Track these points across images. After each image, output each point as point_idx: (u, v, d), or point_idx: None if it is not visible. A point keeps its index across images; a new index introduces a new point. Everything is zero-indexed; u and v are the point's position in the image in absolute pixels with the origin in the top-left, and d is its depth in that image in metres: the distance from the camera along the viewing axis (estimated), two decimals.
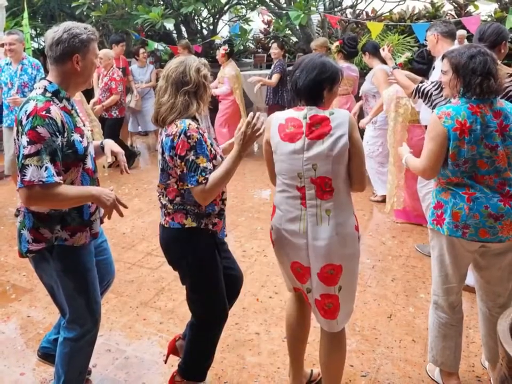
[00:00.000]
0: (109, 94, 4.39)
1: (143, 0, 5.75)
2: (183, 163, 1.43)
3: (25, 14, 4.59)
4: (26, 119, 1.31)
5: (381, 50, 2.99)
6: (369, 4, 5.84)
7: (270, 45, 5.26)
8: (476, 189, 1.54)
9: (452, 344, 1.68)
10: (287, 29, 5.84)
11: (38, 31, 7.16)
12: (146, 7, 5.37)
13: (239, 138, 1.45)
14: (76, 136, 1.41)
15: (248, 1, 6.58)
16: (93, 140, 1.63)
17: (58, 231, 1.44)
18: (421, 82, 2.48)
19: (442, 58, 1.67)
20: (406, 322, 2.17)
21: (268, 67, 6.07)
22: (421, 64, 2.90)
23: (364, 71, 4.34)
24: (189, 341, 1.65)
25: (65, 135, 1.36)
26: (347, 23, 5.73)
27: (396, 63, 2.78)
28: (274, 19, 6.40)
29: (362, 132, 3.33)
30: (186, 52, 4.80)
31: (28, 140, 1.30)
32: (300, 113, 1.45)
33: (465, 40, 4.14)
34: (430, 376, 1.81)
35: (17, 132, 1.36)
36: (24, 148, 1.30)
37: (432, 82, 2.32)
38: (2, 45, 3.45)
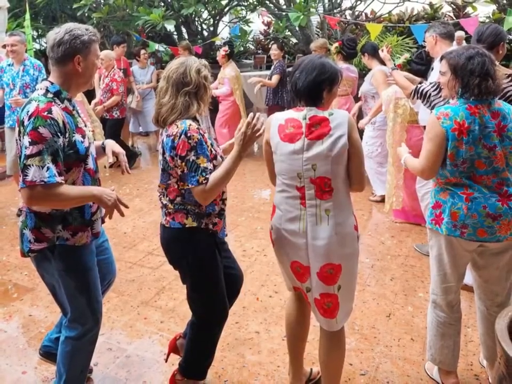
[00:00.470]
0: (110, 95, 4.41)
1: (144, 1, 5.77)
2: (183, 163, 1.44)
3: (27, 16, 4.61)
4: (28, 120, 1.33)
5: (380, 51, 3.01)
6: (368, 5, 5.86)
7: (269, 46, 5.28)
8: (474, 189, 1.55)
9: (450, 343, 1.69)
10: (287, 30, 5.86)
11: (39, 33, 7.18)
12: (147, 9, 5.39)
13: (239, 138, 1.46)
14: (77, 137, 1.42)
15: (248, 2, 6.59)
16: (94, 140, 1.64)
17: (60, 231, 1.45)
18: (420, 83, 2.50)
19: (441, 59, 1.68)
20: (404, 321, 2.18)
21: (268, 68, 6.09)
22: (420, 65, 2.91)
23: (363, 72, 4.35)
24: (189, 340, 1.66)
25: (67, 135, 1.37)
26: (346, 25, 5.75)
27: (394, 64, 2.79)
28: (274, 20, 6.42)
29: (361, 132, 3.34)
30: (186, 53, 4.82)
31: (30, 140, 1.31)
32: (300, 114, 1.46)
33: (464, 41, 4.16)
34: (428, 374, 1.82)
35: (19, 132, 1.37)
36: (26, 148, 1.31)
37: (430, 83, 2.33)
38: (4, 46, 3.47)
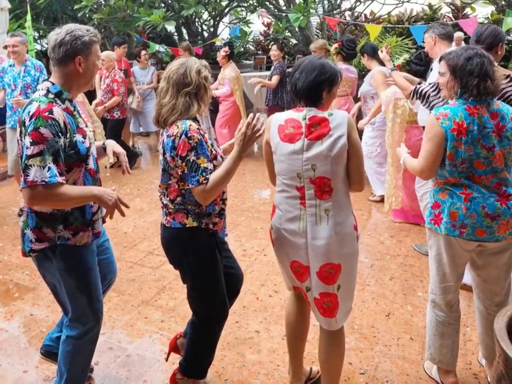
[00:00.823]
0: (110, 95, 4.42)
1: (144, 2, 5.79)
2: (184, 163, 1.45)
3: (28, 17, 4.63)
4: (29, 120, 1.33)
5: (379, 52, 3.01)
6: (367, 6, 5.88)
7: (269, 47, 5.29)
8: (473, 189, 1.56)
9: (449, 342, 1.70)
10: (287, 31, 5.87)
11: (40, 33, 7.20)
12: (147, 10, 5.41)
13: (239, 139, 1.47)
14: (78, 137, 1.43)
15: (248, 3, 6.61)
16: (95, 140, 1.65)
17: (61, 231, 1.45)
18: (419, 83, 2.50)
19: (440, 60, 1.69)
20: (404, 320, 2.19)
21: (268, 69, 6.11)
22: (419, 65, 2.92)
23: (363, 72, 4.36)
24: (189, 339, 1.67)
25: (68, 135, 1.38)
26: (346, 25, 5.77)
27: (394, 65, 2.80)
28: (274, 21, 6.43)
29: (361, 132, 3.35)
30: (187, 54, 4.84)
31: (31, 140, 1.31)
32: (299, 114, 1.47)
33: (463, 42, 4.18)
34: (427, 373, 1.83)
35: (20, 132, 1.38)
36: (27, 148, 1.32)
37: (429, 84, 2.34)
38: (6, 47, 3.49)
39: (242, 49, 7.18)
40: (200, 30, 7.10)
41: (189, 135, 1.44)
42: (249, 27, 7.32)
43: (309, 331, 1.72)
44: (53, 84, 1.43)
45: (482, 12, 5.24)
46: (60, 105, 1.40)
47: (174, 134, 1.46)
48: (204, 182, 1.44)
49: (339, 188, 1.47)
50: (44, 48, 7.32)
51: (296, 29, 5.62)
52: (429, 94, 2.29)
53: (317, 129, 1.44)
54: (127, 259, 2.84)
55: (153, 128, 5.10)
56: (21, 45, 3.33)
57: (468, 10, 5.29)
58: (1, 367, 1.89)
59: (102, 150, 1.66)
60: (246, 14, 7.18)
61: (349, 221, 1.49)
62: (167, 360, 1.82)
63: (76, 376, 1.59)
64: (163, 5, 6.17)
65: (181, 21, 6.37)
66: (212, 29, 6.99)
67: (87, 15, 5.89)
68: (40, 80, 3.27)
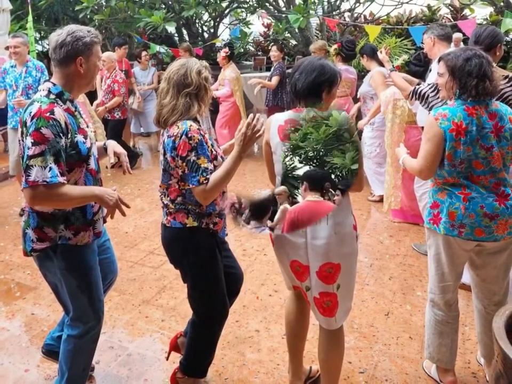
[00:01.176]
0: (111, 96, 4.44)
1: (145, 3, 5.81)
2: (184, 163, 1.46)
3: (30, 18, 4.65)
4: (31, 121, 1.34)
5: (378, 53, 3.03)
6: (367, 7, 5.89)
7: (269, 48, 5.30)
8: (472, 189, 1.56)
9: (448, 341, 1.70)
10: (287, 32, 5.89)
11: (42, 34, 7.22)
12: (148, 11, 5.43)
13: (239, 139, 1.47)
14: (79, 137, 1.44)
15: (248, 4, 6.63)
16: (96, 141, 1.66)
17: (62, 230, 1.46)
18: (418, 84, 2.52)
19: (439, 60, 1.69)
20: (403, 319, 2.20)
21: (268, 69, 6.12)
22: (418, 66, 2.94)
23: (362, 73, 4.37)
24: (190, 338, 1.68)
25: (69, 136, 1.39)
26: (345, 26, 5.78)
27: (393, 66, 2.82)
28: (274, 22, 6.44)
29: (360, 133, 3.37)
30: (187, 55, 4.86)
31: (32, 141, 1.32)
32: (299, 115, 1.48)
33: (461, 43, 4.19)
34: (426, 372, 1.84)
35: (22, 133, 1.39)
36: (28, 148, 1.33)
37: (428, 85, 2.35)
38: (7, 48, 3.51)
39: (242, 50, 7.19)
40: (200, 31, 7.12)
41: (189, 135, 1.45)
42: (249, 28, 7.33)
43: (308, 330, 1.73)
44: (54, 84, 1.44)
45: (481, 13, 5.24)
46: (61, 105, 1.41)
47: (175, 134, 1.47)
48: (204, 182, 1.45)
49: None
50: (45, 49, 7.34)
51: (296, 30, 5.64)
52: (428, 95, 2.30)
53: None
54: (127, 259, 2.85)
55: (153, 128, 5.11)
56: (23, 45, 3.34)
57: (466, 12, 5.29)
58: (3, 366, 1.90)
59: (103, 150, 1.67)
60: (246, 15, 7.19)
61: (349, 221, 1.50)
62: (167, 359, 1.83)
63: (77, 375, 1.60)
64: (164, 6, 6.19)
65: (181, 22, 6.39)
66: (212, 30, 7.01)
67: (88, 16, 5.91)
68: (41, 81, 3.28)
